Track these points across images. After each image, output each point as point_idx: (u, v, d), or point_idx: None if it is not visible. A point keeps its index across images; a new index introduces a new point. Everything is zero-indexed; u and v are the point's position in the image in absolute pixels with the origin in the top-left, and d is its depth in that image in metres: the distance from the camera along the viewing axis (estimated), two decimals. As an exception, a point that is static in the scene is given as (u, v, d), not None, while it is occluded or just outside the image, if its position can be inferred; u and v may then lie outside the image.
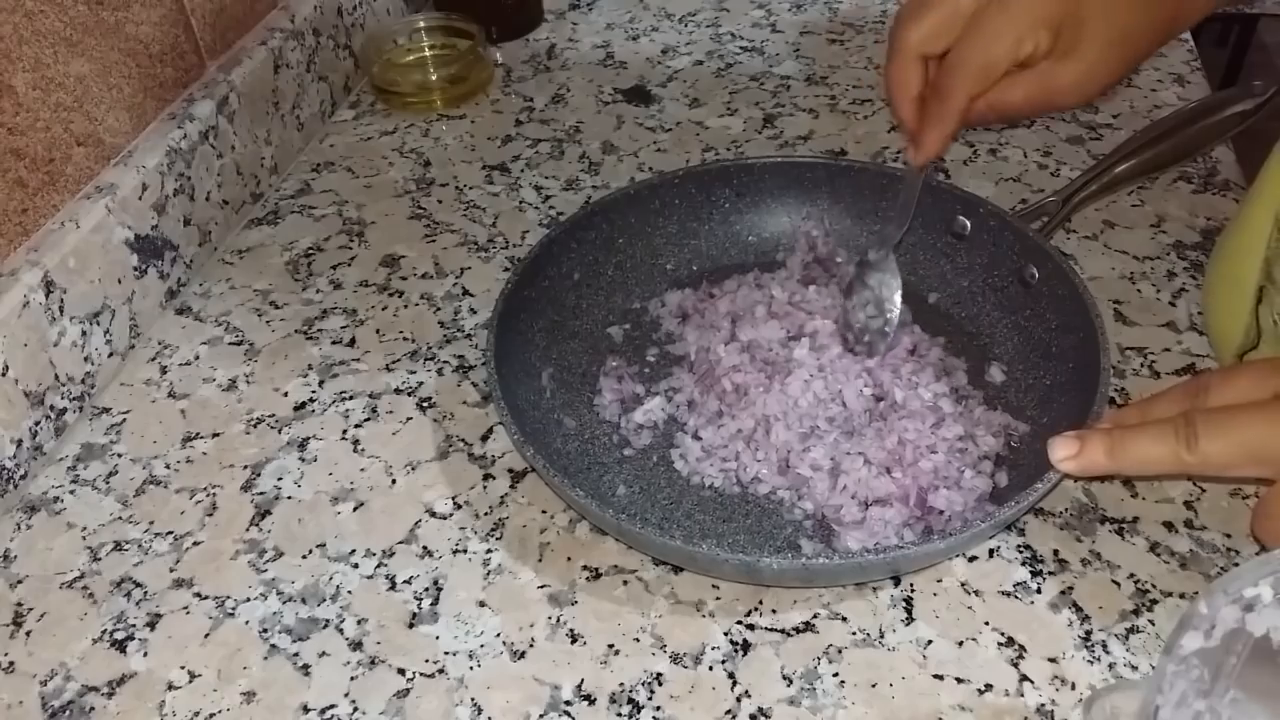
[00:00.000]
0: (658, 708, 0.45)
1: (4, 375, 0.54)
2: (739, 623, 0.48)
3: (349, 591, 0.50)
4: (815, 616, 0.48)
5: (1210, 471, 0.42)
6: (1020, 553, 0.50)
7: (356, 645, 0.48)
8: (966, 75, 0.50)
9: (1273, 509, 0.42)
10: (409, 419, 0.59)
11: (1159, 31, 0.51)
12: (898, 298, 0.57)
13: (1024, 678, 0.45)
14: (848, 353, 0.58)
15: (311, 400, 0.61)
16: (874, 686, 0.45)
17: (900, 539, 0.50)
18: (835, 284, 0.63)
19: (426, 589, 0.50)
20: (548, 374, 0.59)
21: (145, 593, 0.51)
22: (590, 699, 0.45)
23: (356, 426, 0.59)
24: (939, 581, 0.49)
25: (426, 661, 0.47)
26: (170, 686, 0.47)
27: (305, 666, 0.47)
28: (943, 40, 0.51)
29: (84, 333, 0.60)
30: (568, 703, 0.45)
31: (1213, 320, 0.59)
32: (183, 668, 0.48)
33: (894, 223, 0.58)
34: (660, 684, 0.46)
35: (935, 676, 0.45)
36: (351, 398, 0.61)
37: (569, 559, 0.51)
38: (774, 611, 0.48)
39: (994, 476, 0.52)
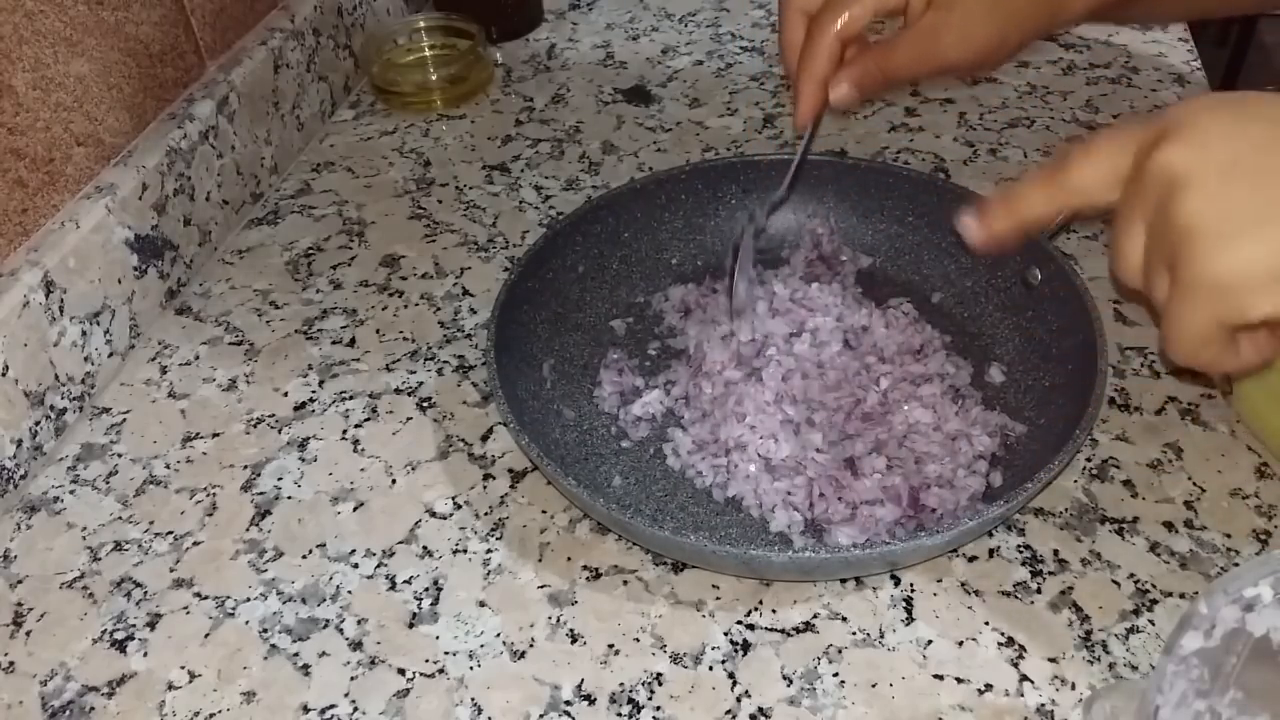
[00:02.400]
0: (658, 708, 0.45)
1: (4, 375, 0.54)
2: (739, 623, 0.48)
3: (349, 591, 0.50)
4: (815, 616, 0.48)
5: (1080, 197, 0.43)
6: (1020, 553, 0.50)
7: (356, 645, 0.48)
8: (830, 21, 0.52)
9: (1117, 232, 0.41)
10: (409, 419, 0.59)
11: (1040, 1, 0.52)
12: (750, 265, 0.60)
13: (1024, 678, 0.45)
14: (846, 349, 0.58)
15: (311, 400, 0.61)
16: (874, 686, 0.45)
17: (892, 536, 0.50)
18: (839, 281, 0.63)
19: (426, 589, 0.50)
20: (549, 365, 0.59)
21: (145, 593, 0.51)
22: (590, 699, 0.45)
23: (356, 426, 0.59)
24: (939, 581, 0.49)
25: (426, 661, 0.47)
26: (170, 686, 0.47)
27: (305, 666, 0.47)
28: None
29: (84, 333, 0.60)
30: (568, 703, 0.45)
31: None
32: (183, 668, 0.48)
33: (781, 187, 0.59)
34: (660, 684, 0.46)
35: (935, 676, 0.45)
36: (351, 398, 0.61)
37: (569, 559, 0.51)
38: (774, 611, 0.48)
39: (988, 476, 0.52)
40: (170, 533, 0.54)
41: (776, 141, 0.80)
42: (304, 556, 0.52)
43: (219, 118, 0.72)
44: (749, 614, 0.48)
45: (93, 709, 0.46)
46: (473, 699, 0.46)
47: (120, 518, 0.55)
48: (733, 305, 0.59)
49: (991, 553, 0.50)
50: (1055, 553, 0.50)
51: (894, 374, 0.57)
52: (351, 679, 0.47)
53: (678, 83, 0.88)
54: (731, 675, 0.46)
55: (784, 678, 0.46)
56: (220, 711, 0.46)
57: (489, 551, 0.52)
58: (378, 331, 0.65)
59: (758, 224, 0.60)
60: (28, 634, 0.49)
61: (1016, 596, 0.48)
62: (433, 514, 0.54)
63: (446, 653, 0.48)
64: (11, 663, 0.48)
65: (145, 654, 0.48)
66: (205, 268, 0.71)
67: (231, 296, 0.69)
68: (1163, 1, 0.67)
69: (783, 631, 0.48)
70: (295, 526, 0.54)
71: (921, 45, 0.52)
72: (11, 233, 0.57)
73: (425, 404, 0.60)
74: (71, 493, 0.56)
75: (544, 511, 0.54)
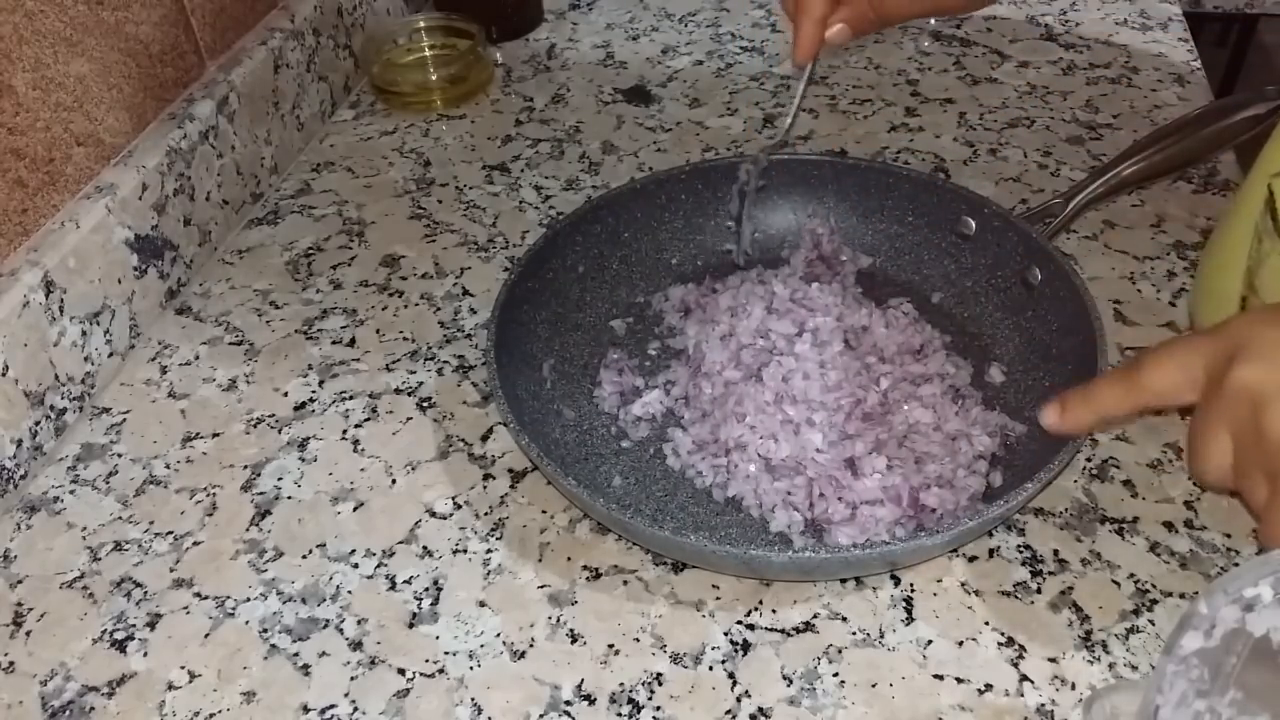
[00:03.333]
0: (658, 708, 0.45)
1: (4, 375, 0.54)
2: (739, 623, 0.48)
3: (349, 591, 0.50)
4: (815, 616, 0.48)
5: (1155, 399, 0.45)
6: (1020, 553, 0.50)
7: (356, 645, 0.48)
8: None
9: (1196, 437, 0.43)
10: (409, 419, 0.59)
11: None
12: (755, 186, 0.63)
13: (1024, 678, 0.45)
14: (846, 349, 0.58)
15: (311, 400, 0.61)
16: (874, 686, 0.45)
17: (892, 536, 0.50)
18: (839, 281, 0.63)
19: (426, 589, 0.50)
20: (549, 365, 0.59)
21: (145, 593, 0.51)
22: (590, 699, 0.45)
23: (356, 426, 0.59)
24: (939, 581, 0.49)
25: (426, 661, 0.47)
26: (170, 686, 0.47)
27: (305, 666, 0.47)
28: None
29: (84, 333, 0.60)
30: (568, 703, 0.45)
31: (1202, 324, 0.59)
32: (183, 668, 0.48)
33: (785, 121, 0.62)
34: (660, 684, 0.46)
35: (935, 676, 0.45)
36: (351, 398, 0.61)
37: (569, 559, 0.51)
38: (774, 611, 0.48)
39: (988, 476, 0.52)
40: (170, 533, 0.54)
41: (776, 141, 0.80)
42: (304, 556, 0.52)
43: (219, 118, 0.72)
44: (749, 614, 0.48)
45: (93, 709, 0.46)
46: (473, 699, 0.46)
47: (120, 518, 0.55)
48: (739, 246, 0.62)
49: (991, 553, 0.50)
50: (1055, 553, 0.50)
51: (894, 374, 0.57)
52: (351, 679, 0.47)
53: (678, 83, 0.88)
54: (731, 675, 0.46)
55: (784, 678, 0.46)
56: (220, 711, 0.46)
57: (489, 551, 0.52)
58: (378, 331, 0.65)
59: (759, 164, 0.63)
60: (28, 634, 0.49)
61: (1016, 596, 0.48)
62: (433, 514, 0.54)
63: (446, 653, 0.48)
64: (11, 663, 0.48)
65: (145, 654, 0.48)
66: (205, 268, 0.71)
67: (231, 296, 0.69)
68: None
69: (783, 631, 0.48)
70: (295, 526, 0.54)
71: None
72: (11, 233, 0.57)
73: (425, 404, 0.60)
74: (71, 493, 0.56)
75: (544, 511, 0.54)
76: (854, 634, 0.47)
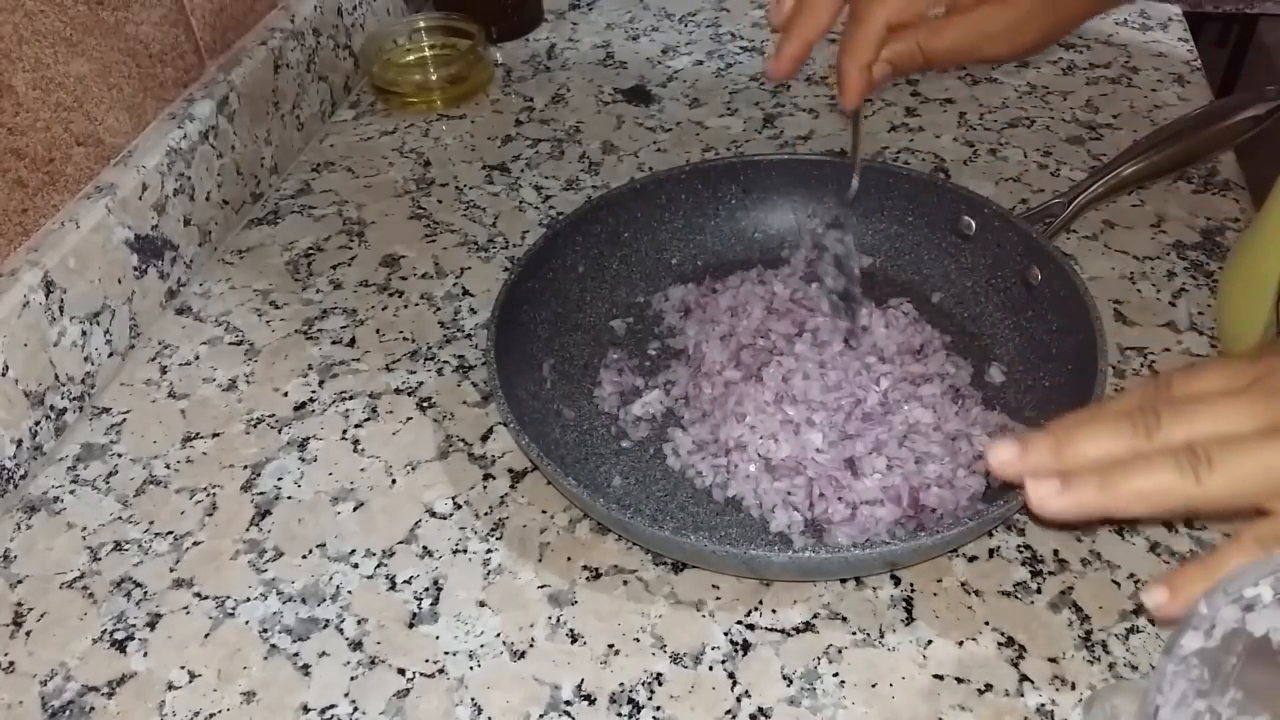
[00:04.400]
0: (658, 708, 0.45)
1: (4, 375, 0.54)
2: (739, 623, 0.48)
3: (349, 591, 0.50)
4: (815, 616, 0.48)
5: (1216, 505, 0.36)
6: (1020, 553, 0.50)
7: (356, 645, 0.48)
8: (881, 7, 0.51)
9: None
10: (409, 419, 0.59)
11: None
12: (854, 253, 0.60)
13: (1024, 678, 0.45)
14: (848, 348, 0.58)
15: (311, 400, 0.61)
16: (874, 686, 0.45)
17: (892, 536, 0.50)
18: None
19: (426, 589, 0.50)
20: (549, 365, 0.59)
21: (145, 593, 0.51)
22: (590, 699, 0.45)
23: (356, 426, 0.59)
24: (939, 581, 0.49)
25: (426, 661, 0.47)
26: (170, 686, 0.47)
27: (305, 666, 0.47)
28: None
29: (84, 333, 0.60)
30: (568, 703, 0.45)
31: (1228, 320, 0.58)
32: (183, 668, 0.48)
33: (852, 174, 0.59)
34: (660, 684, 0.46)
35: (935, 676, 0.45)
36: (351, 398, 0.61)
37: (569, 559, 0.51)
38: (774, 611, 0.48)
39: (988, 476, 0.52)
40: (170, 533, 0.54)
41: (776, 141, 0.80)
42: (304, 556, 0.52)
43: (219, 118, 0.72)
44: (749, 614, 0.48)
45: (93, 709, 0.46)
46: (473, 699, 0.46)
47: (120, 518, 0.55)
48: (854, 321, 0.59)
49: (991, 553, 0.50)
50: (1055, 553, 0.50)
51: (894, 374, 0.57)
52: (351, 679, 0.47)
53: (678, 83, 0.88)
54: (731, 675, 0.46)
55: (784, 678, 0.46)
56: (220, 711, 0.46)
57: (489, 551, 0.52)
58: (378, 331, 0.65)
59: (845, 225, 0.60)
60: (28, 634, 0.49)
61: (1016, 596, 0.48)
62: (433, 514, 0.54)
63: (446, 653, 0.48)
64: (11, 663, 0.48)
65: (145, 654, 0.48)
66: (205, 268, 0.71)
67: (231, 296, 0.69)
68: None
69: (783, 631, 0.48)
70: (295, 526, 0.54)
71: (969, 37, 0.52)
72: (11, 233, 0.57)
73: (425, 404, 0.60)
74: (71, 493, 0.56)
75: (544, 511, 0.54)
76: (854, 634, 0.47)
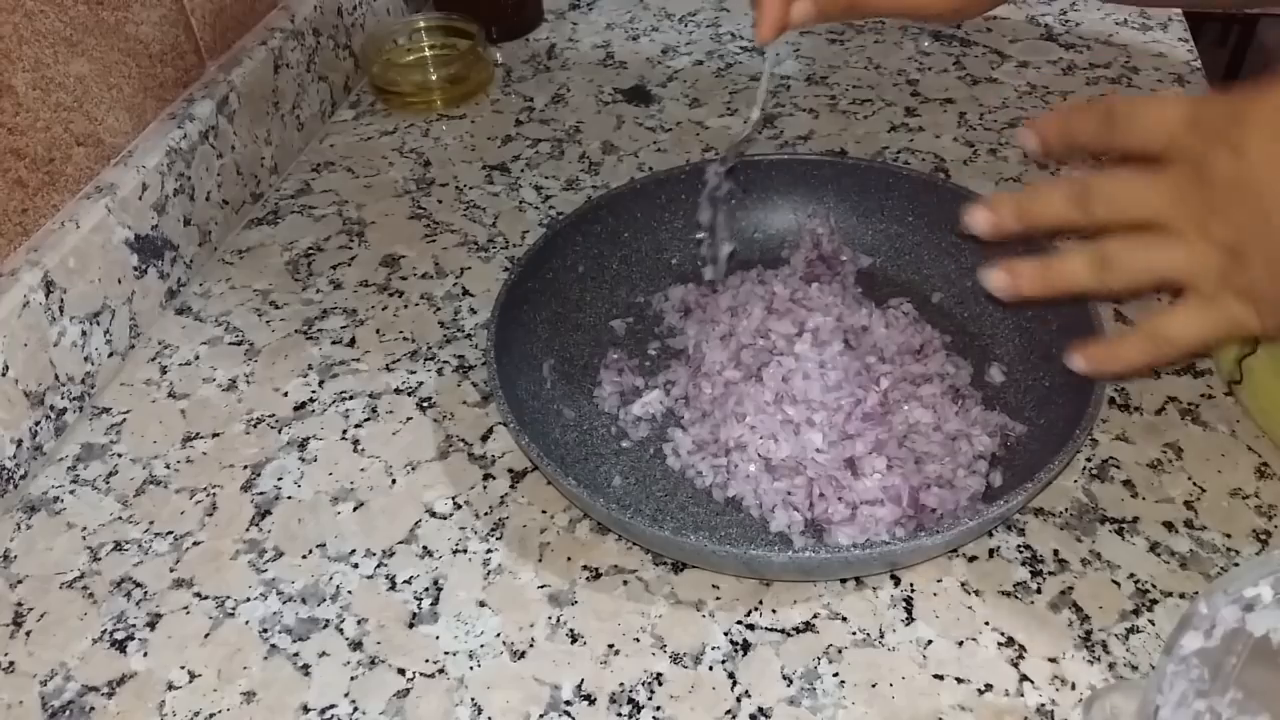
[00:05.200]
0: (658, 708, 0.45)
1: (4, 375, 0.54)
2: (739, 623, 0.48)
3: (349, 591, 0.50)
4: (815, 616, 0.48)
5: (1116, 292, 0.49)
6: (1020, 553, 0.50)
7: (356, 645, 0.48)
8: None
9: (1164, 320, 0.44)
10: (409, 419, 0.59)
11: None
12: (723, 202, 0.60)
13: (1024, 678, 0.45)
14: (846, 349, 0.58)
15: (311, 400, 0.61)
16: (874, 686, 0.45)
17: (892, 536, 0.50)
18: (839, 281, 0.63)
19: (426, 589, 0.50)
20: (549, 365, 0.59)
21: (145, 593, 0.51)
22: (590, 699, 0.45)
23: (356, 426, 0.59)
24: (939, 581, 0.49)
25: (426, 661, 0.47)
26: (170, 686, 0.47)
27: (305, 666, 0.47)
28: None
29: (84, 333, 0.60)
30: (568, 703, 0.45)
31: None
32: (183, 668, 0.48)
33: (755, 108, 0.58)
34: (660, 684, 0.46)
35: (935, 676, 0.45)
36: (351, 398, 0.61)
37: (569, 559, 0.51)
38: (774, 611, 0.48)
39: (988, 476, 0.52)
40: (170, 533, 0.54)
41: (776, 141, 0.80)
42: (304, 556, 0.52)
43: (219, 118, 0.72)
44: (749, 614, 0.48)
45: (93, 709, 0.46)
46: (473, 699, 0.46)
47: (120, 518, 0.55)
48: (715, 263, 0.59)
49: (991, 553, 0.50)
50: (1055, 553, 0.50)
51: (894, 374, 0.57)
52: (351, 679, 0.47)
53: (678, 83, 0.88)
54: (731, 675, 0.46)
55: (784, 678, 0.46)
56: (220, 711, 0.46)
57: (489, 551, 0.52)
58: (378, 331, 0.65)
59: (727, 163, 0.60)
60: (28, 634, 0.49)
61: (1016, 596, 0.48)
62: (433, 514, 0.54)
63: (446, 653, 0.48)
64: (11, 663, 0.48)
65: (145, 654, 0.48)
66: (205, 268, 0.71)
67: (231, 296, 0.69)
68: None
69: (783, 631, 0.48)
70: (295, 526, 0.54)
71: None
72: (11, 233, 0.57)
73: (425, 404, 0.60)
74: (71, 493, 0.56)
75: (544, 511, 0.54)
76: (854, 634, 0.47)
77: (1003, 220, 0.45)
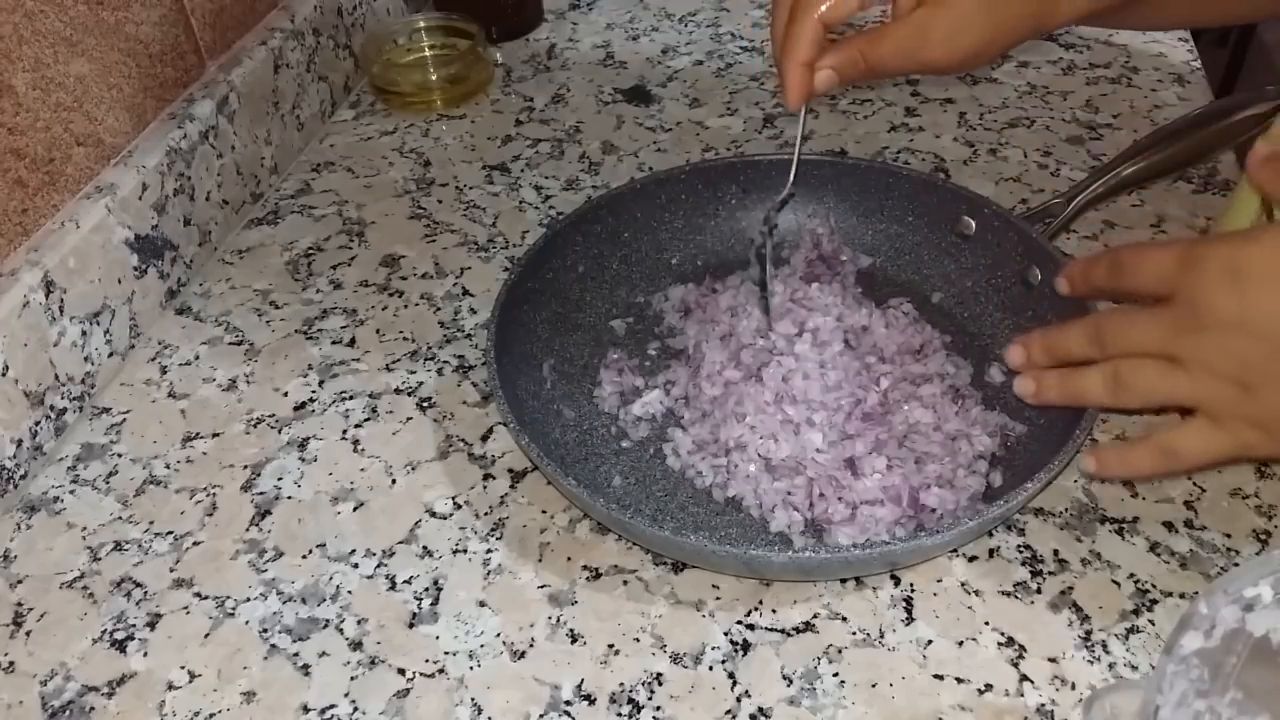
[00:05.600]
0: (658, 708, 0.45)
1: (4, 375, 0.54)
2: (739, 623, 0.48)
3: (349, 591, 0.50)
4: (815, 616, 0.48)
5: (1128, 408, 0.53)
6: (1020, 553, 0.50)
7: (356, 645, 0.48)
8: (813, 3, 0.52)
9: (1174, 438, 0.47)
10: (409, 419, 0.59)
11: (1032, 5, 0.53)
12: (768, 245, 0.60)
13: (1024, 678, 0.45)
14: (846, 349, 0.58)
15: (311, 400, 0.61)
16: (874, 686, 0.45)
17: (892, 536, 0.50)
18: (839, 281, 0.63)
19: (426, 589, 0.50)
20: (549, 365, 0.59)
21: (145, 593, 0.51)
22: (590, 699, 0.45)
23: (356, 426, 0.59)
24: (939, 581, 0.49)
25: (426, 661, 0.47)
26: (170, 686, 0.47)
27: (305, 666, 0.47)
28: None
29: (84, 333, 0.60)
30: (568, 703, 0.45)
31: None
32: (183, 668, 0.48)
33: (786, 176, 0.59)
34: (660, 684, 0.46)
35: (935, 676, 0.45)
36: (351, 398, 0.61)
37: (569, 559, 0.51)
38: (774, 611, 0.48)
39: (988, 476, 0.52)
40: (170, 533, 0.54)
41: (776, 141, 0.80)
42: (304, 556, 0.52)
43: (219, 118, 0.72)
44: (749, 614, 0.48)
45: (93, 709, 0.46)
46: (473, 699, 0.46)
47: (120, 518, 0.55)
48: (770, 308, 0.60)
49: (991, 553, 0.50)
50: (1055, 553, 0.50)
51: (894, 374, 0.57)
52: (351, 679, 0.47)
53: (678, 83, 0.88)
54: (731, 675, 0.46)
55: (784, 678, 0.46)
56: (220, 711, 0.46)
57: (489, 551, 0.52)
58: (378, 331, 0.65)
59: (770, 223, 0.61)
60: (28, 634, 0.49)
61: (1016, 596, 0.48)
62: (433, 514, 0.54)
63: (446, 653, 0.48)
64: (11, 663, 0.48)
65: (145, 654, 0.48)
66: (205, 268, 0.71)
67: (231, 296, 0.69)
68: (1152, 10, 0.67)
69: (783, 631, 0.48)
70: (295, 526, 0.54)
71: (908, 40, 0.52)
72: (11, 233, 0.57)
73: (425, 404, 0.60)
74: (71, 493, 0.56)
75: (544, 511, 0.54)
76: (854, 634, 0.47)
77: (1034, 356, 0.51)
